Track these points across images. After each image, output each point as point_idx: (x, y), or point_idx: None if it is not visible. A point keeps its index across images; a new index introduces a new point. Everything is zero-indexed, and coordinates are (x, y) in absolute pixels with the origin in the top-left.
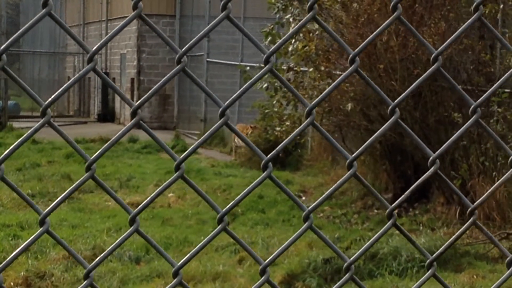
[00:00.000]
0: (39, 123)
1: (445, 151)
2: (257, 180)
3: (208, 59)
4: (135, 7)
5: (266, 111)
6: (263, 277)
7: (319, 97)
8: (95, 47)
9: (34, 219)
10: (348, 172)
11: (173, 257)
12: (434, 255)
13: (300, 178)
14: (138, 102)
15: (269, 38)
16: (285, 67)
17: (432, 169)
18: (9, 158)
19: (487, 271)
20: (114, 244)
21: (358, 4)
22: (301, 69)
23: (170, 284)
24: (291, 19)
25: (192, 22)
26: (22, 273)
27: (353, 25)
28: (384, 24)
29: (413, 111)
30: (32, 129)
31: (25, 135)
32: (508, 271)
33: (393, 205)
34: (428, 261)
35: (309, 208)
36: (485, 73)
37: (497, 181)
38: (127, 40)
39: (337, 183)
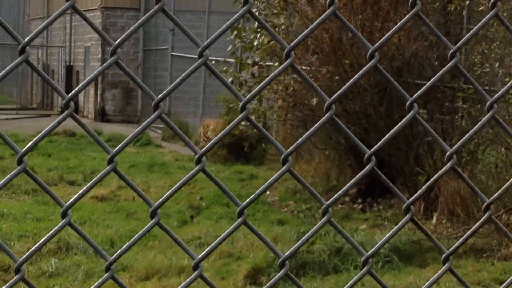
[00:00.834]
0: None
1: (379, 148)
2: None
3: (172, 53)
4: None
5: (231, 105)
6: (195, 272)
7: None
8: (27, 38)
9: None
10: (284, 167)
11: (137, 251)
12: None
13: (264, 173)
14: (70, 94)
15: (235, 32)
16: (250, 61)
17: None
18: None
19: (452, 266)
20: (46, 237)
21: None
22: (266, 63)
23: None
24: (256, 13)
25: (157, 15)
26: None
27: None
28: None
29: (378, 107)
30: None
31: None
32: (443, 267)
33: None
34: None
35: (243, 204)
36: (450, 69)
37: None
38: (91, 33)
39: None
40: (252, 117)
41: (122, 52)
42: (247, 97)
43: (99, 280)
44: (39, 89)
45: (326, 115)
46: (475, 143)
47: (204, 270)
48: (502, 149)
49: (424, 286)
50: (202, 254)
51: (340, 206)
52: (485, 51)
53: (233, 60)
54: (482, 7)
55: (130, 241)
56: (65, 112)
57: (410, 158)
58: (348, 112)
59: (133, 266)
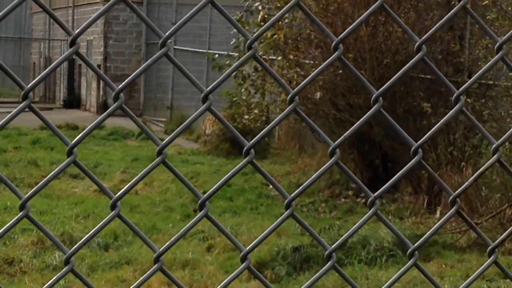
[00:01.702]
0: (20, 106)
1: (426, 140)
2: (240, 164)
3: (175, 47)
4: None
5: (234, 99)
6: (243, 264)
7: (302, 83)
8: (78, 30)
9: (1, 205)
10: (332, 159)
11: (141, 245)
12: (416, 244)
13: (267, 167)
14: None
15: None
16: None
17: (416, 158)
18: None
19: (455, 261)
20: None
21: None
22: (270, 57)
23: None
24: (260, 7)
25: (159, 9)
26: None
27: (323, 14)
28: (369, 11)
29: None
30: (12, 112)
31: (4, 120)
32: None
33: (376, 193)
34: (409, 250)
35: (291, 196)
36: (454, 63)
37: (465, 171)
38: (93, 27)
39: (320, 170)
40: (255, 111)
41: (124, 46)
42: (295, 89)
43: (148, 272)
44: (42, 83)
45: (374, 107)
46: (479, 138)
47: (208, 263)
48: (506, 144)
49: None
50: (250, 246)
51: (343, 200)
52: (489, 45)
53: (236, 54)
54: (486, 1)
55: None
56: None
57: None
58: (352, 106)
59: (137, 260)
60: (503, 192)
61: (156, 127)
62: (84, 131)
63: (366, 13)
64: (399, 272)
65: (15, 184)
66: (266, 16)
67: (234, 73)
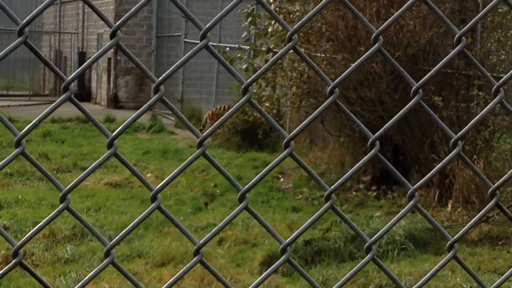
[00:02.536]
0: (61, 97)
1: (465, 133)
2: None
3: (185, 40)
4: None
5: None
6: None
7: (342, 75)
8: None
9: (12, 198)
10: (372, 151)
11: (153, 238)
12: (456, 236)
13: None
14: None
15: (250, 19)
16: (264, 48)
17: (456, 150)
18: None
19: (467, 254)
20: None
21: None
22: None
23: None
24: (271, 0)
25: (170, 2)
26: (2, 252)
27: (334, 7)
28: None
29: (393, 94)
30: (53, 104)
31: (44, 112)
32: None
33: (416, 186)
34: (449, 242)
35: (330, 188)
36: (465, 56)
37: (476, 164)
38: None
39: (360, 161)
40: (266, 104)
41: (135, 39)
42: (335, 81)
43: (188, 264)
44: (52, 76)
45: (414, 99)
46: (490, 131)
47: (220, 257)
48: None
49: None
50: (289, 238)
51: (354, 193)
52: (501, 38)
53: (248, 47)
54: None
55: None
56: (155, 97)
57: (425, 145)
58: (363, 99)
59: (149, 253)
60: None
61: (166, 120)
62: (125, 123)
63: (406, 5)
64: (439, 264)
65: (26, 178)
66: (277, 8)
67: (245, 66)
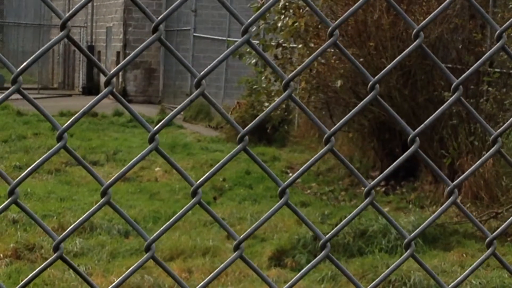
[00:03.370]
0: (9, 90)
1: (423, 129)
2: (233, 151)
3: (194, 34)
4: None
5: (254, 87)
6: (236, 252)
7: (297, 69)
8: (68, 14)
9: (21, 191)
10: (325, 147)
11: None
12: (412, 234)
13: (286, 155)
14: (112, 72)
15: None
16: (274, 43)
17: (412, 147)
18: None
19: (476, 250)
20: (85, 215)
21: None
22: (290, 45)
23: (143, 258)
24: None
25: None
26: (11, 245)
27: (344, 1)
28: None
29: (403, 89)
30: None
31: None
32: (488, 251)
33: (372, 183)
34: (405, 240)
35: (285, 183)
36: (475, 52)
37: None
38: (113, 13)
39: (314, 157)
40: (275, 99)
41: (144, 33)
42: (290, 75)
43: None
44: (60, 69)
45: (370, 94)
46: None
47: (228, 251)
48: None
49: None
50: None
51: (363, 188)
52: (511, 34)
53: (257, 42)
54: None
55: (172, 219)
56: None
57: (434, 141)
58: None
59: (158, 247)
60: None
61: None
62: (166, 118)
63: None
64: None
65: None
66: (287, 3)
67: (254, 60)
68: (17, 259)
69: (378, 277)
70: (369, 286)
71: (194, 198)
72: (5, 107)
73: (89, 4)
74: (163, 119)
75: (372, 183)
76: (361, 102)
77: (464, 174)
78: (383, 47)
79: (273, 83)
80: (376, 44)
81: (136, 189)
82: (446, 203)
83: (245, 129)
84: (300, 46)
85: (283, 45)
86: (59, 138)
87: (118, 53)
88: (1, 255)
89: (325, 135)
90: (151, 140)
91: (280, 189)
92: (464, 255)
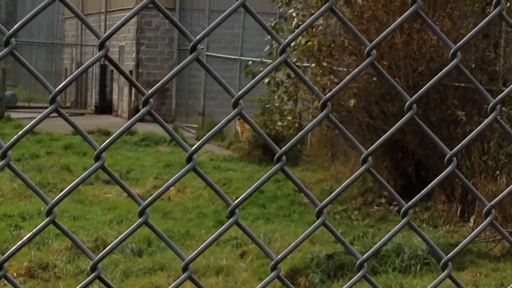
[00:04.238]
0: (47, 109)
1: (461, 148)
2: (271, 171)
3: (207, 53)
4: None
5: (267, 106)
6: (273, 273)
7: (334, 89)
8: (106, 33)
9: (35, 210)
10: (363, 167)
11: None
12: (449, 254)
13: (299, 174)
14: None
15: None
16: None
17: (449, 167)
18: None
19: (490, 270)
20: (123, 234)
21: (362, 1)
22: (303, 64)
23: (180, 279)
24: (294, 14)
25: (192, 15)
26: (25, 264)
27: (357, 21)
28: (403, 16)
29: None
30: (40, 115)
31: (32, 122)
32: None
33: (410, 203)
34: (443, 260)
35: (322, 204)
36: (488, 71)
37: (499, 179)
38: (126, 32)
39: (351, 177)
40: (289, 118)
41: (157, 52)
42: (328, 95)
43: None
44: (73, 88)
45: (407, 114)
46: None
47: (242, 270)
48: None
49: None
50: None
51: (376, 207)
52: None
53: (270, 61)
54: None
55: (209, 240)
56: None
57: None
58: (385, 113)
59: (171, 266)
60: None
61: (187, 133)
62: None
63: (400, 19)
64: (433, 283)
65: (47, 190)
66: (300, 22)
67: (267, 80)
68: (30, 278)
69: None
70: None
71: (232, 218)
72: (19, 126)
73: (102, 23)
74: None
75: (409, 203)
76: (399, 122)
77: (501, 195)
78: (396, 66)
79: (286, 102)
80: (389, 63)
81: (149, 208)
82: (484, 223)
83: (282, 149)
84: (313, 65)
85: (296, 64)
86: (97, 158)
87: (130, 72)
88: (15, 274)
89: (362, 155)
90: (189, 160)
91: (317, 209)
92: (478, 274)
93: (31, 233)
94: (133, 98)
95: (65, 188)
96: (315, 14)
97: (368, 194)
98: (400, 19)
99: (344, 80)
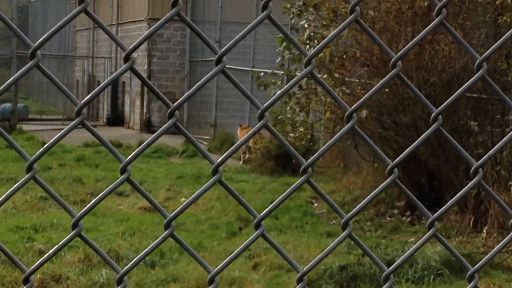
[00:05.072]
0: (73, 122)
1: (488, 159)
2: (296, 183)
3: None
4: (174, 4)
5: (279, 117)
6: (299, 284)
7: (359, 101)
8: (132, 46)
9: (47, 222)
10: (389, 178)
11: (188, 263)
12: (476, 266)
13: None
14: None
15: (284, 44)
16: (298, 73)
17: (476, 178)
18: (20, 161)
19: (503, 280)
20: (150, 246)
21: (374, 12)
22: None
23: None
24: (306, 25)
25: (203, 27)
26: (38, 276)
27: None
28: (428, 27)
29: (428, 119)
30: (67, 127)
31: (58, 135)
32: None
33: (435, 215)
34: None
35: (348, 215)
36: (501, 82)
37: None
38: None
39: (377, 189)
40: (301, 129)
41: (168, 63)
42: (353, 106)
43: None
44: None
45: (434, 125)
46: None
47: (255, 281)
48: None
49: None
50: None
51: (388, 218)
52: None
53: (282, 72)
54: None
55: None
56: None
57: (460, 171)
58: (398, 124)
59: (184, 277)
60: None
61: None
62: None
63: (425, 30)
64: None
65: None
66: (312, 34)
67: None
68: None
69: None
70: None
71: (258, 230)
72: (31, 138)
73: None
74: (187, 149)
75: (435, 215)
76: (425, 133)
77: (445, 205)
78: (408, 77)
79: (297, 113)
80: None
81: (161, 219)
82: (427, 234)
83: (308, 161)
84: (325, 76)
85: (308, 75)
86: (123, 170)
87: (142, 84)
88: None
89: (388, 167)
90: (215, 172)
91: (343, 221)
92: (491, 285)
93: (57, 245)
94: (144, 110)
95: (78, 200)
96: (340, 26)
97: (380, 205)
98: (425, 30)
99: (370, 92)
